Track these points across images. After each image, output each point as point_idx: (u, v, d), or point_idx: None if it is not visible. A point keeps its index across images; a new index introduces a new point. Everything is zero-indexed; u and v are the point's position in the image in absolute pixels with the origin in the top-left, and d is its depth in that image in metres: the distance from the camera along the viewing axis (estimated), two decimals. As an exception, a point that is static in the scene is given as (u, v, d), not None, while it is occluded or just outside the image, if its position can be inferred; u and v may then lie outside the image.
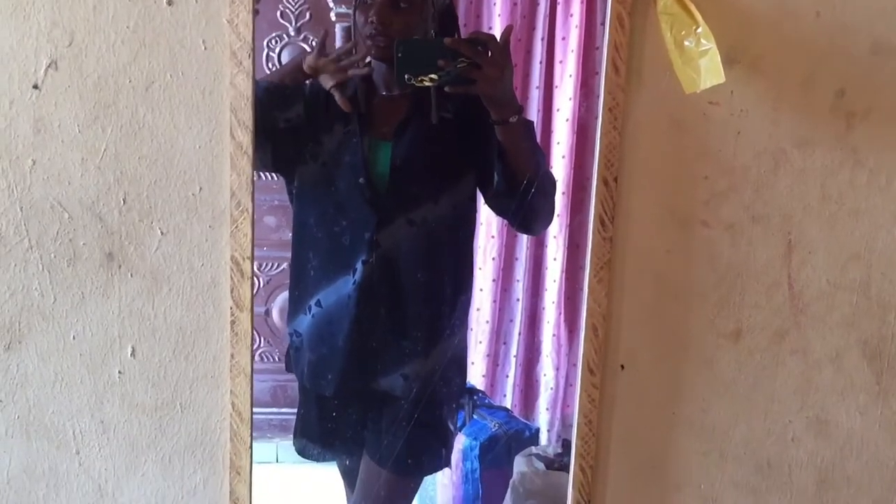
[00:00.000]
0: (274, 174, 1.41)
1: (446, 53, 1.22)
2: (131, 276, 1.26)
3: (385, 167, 1.36)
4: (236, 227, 1.23)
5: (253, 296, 1.26)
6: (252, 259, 1.24)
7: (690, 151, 1.30)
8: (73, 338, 1.28)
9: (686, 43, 1.21)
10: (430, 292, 1.41)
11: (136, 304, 1.27)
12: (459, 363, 1.49)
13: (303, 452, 1.51)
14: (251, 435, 1.29)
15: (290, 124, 1.35)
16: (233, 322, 1.26)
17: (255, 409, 1.29)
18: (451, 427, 1.51)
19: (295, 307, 1.44)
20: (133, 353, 1.28)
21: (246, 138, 1.20)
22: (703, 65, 1.20)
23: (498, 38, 1.25)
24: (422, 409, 1.41)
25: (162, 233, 1.25)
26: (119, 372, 1.29)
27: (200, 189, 1.24)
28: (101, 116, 1.21)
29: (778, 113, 1.29)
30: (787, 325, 1.36)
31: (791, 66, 1.28)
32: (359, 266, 1.36)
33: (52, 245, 1.24)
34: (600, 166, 1.26)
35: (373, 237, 1.35)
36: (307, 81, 1.36)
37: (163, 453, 1.32)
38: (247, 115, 1.20)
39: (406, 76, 1.23)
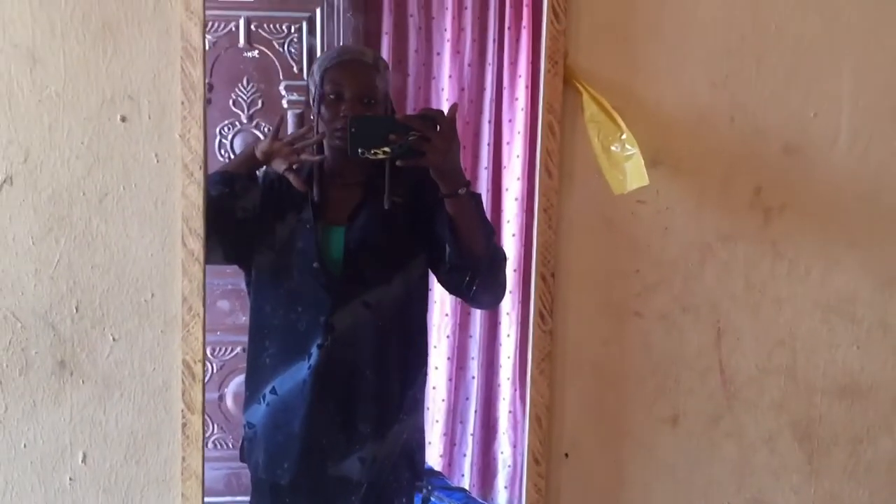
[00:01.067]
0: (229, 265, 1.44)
1: (397, 128, 1.27)
2: (83, 382, 1.28)
3: (339, 252, 1.39)
4: (188, 331, 1.26)
5: (204, 391, 1.28)
6: (203, 362, 1.27)
7: (622, 247, 1.37)
8: (24, 446, 1.28)
9: (612, 148, 1.30)
10: (385, 373, 1.42)
11: (87, 410, 1.28)
12: (411, 456, 1.50)
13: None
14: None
15: (247, 214, 1.37)
16: (184, 425, 1.27)
17: (209, 499, 1.29)
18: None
19: (250, 396, 1.45)
20: (84, 460, 1.29)
21: (197, 245, 1.25)
22: (629, 168, 1.29)
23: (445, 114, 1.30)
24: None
25: (114, 339, 1.27)
26: (70, 479, 1.29)
27: (153, 295, 1.27)
28: (54, 228, 1.25)
29: (701, 209, 1.38)
30: (721, 410, 1.41)
31: (711, 166, 1.37)
32: (314, 351, 1.37)
33: (5, 355, 1.26)
34: (538, 263, 1.33)
35: (328, 321, 1.37)
36: (260, 171, 1.40)
37: (114, 560, 1.32)
38: (198, 224, 1.24)
39: (360, 150, 1.27)
